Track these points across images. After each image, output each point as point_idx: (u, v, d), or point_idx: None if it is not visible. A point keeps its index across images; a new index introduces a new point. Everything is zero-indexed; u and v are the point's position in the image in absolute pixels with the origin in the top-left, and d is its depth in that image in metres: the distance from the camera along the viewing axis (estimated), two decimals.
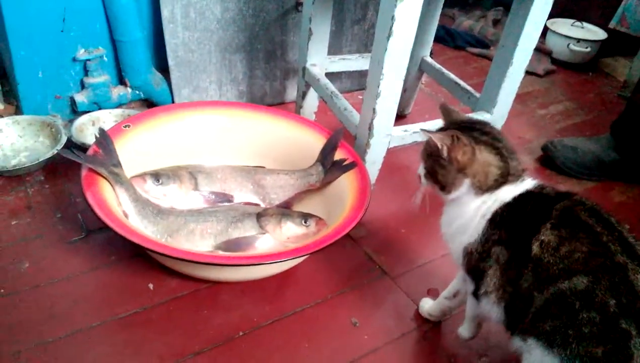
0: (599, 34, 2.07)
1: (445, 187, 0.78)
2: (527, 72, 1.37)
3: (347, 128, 1.19)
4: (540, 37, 1.24)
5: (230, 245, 0.95)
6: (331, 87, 1.26)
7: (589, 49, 2.04)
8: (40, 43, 1.18)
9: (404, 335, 0.92)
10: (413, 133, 1.17)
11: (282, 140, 1.19)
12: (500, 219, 0.74)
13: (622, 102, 1.84)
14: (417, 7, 0.95)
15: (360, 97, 1.53)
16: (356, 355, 0.87)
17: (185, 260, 0.84)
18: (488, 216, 0.75)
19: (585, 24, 2.11)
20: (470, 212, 0.77)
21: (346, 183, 1.06)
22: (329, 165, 1.11)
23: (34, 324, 0.84)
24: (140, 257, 0.98)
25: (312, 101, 1.40)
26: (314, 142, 1.15)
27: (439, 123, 0.88)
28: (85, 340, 0.83)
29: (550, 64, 2.05)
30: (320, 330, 0.91)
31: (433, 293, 1.00)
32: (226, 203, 1.07)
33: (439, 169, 0.77)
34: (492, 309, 0.76)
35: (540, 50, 2.02)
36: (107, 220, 0.84)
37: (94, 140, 1.00)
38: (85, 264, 0.96)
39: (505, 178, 0.75)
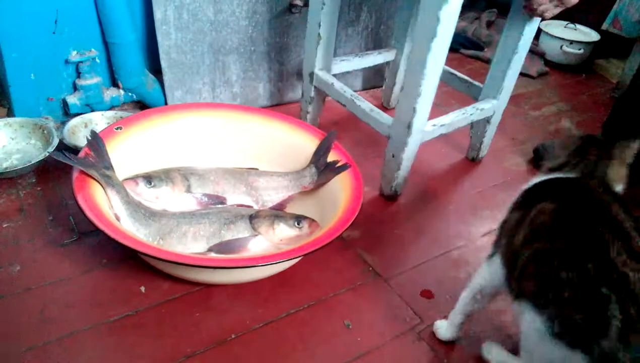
0: (592, 35, 2.08)
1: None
2: (521, 74, 1.38)
3: (376, 128, 1.20)
4: (534, 39, 1.26)
5: (223, 247, 0.95)
6: (349, 90, 1.27)
7: (582, 51, 2.05)
8: (32, 45, 1.18)
9: (397, 336, 0.92)
10: (441, 126, 1.21)
11: (276, 142, 1.18)
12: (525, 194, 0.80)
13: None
14: (457, 8, 0.98)
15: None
16: (349, 357, 0.87)
17: (176, 262, 0.83)
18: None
19: (578, 26, 2.12)
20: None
21: (339, 185, 1.06)
22: (323, 167, 1.11)
23: (25, 327, 0.84)
24: (132, 260, 0.97)
25: (318, 106, 1.40)
26: (308, 144, 1.16)
27: None
28: (77, 343, 0.83)
29: (543, 66, 2.06)
30: (313, 332, 0.91)
31: (426, 295, 1.00)
32: (219, 206, 1.06)
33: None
34: (497, 270, 0.80)
35: (534, 51, 2.03)
36: (98, 223, 0.84)
37: (85, 142, 0.99)
38: (77, 267, 0.96)
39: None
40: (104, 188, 0.94)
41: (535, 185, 0.80)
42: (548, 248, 0.69)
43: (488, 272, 0.84)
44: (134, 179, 1.01)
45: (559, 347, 0.67)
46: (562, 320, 0.66)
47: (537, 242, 0.71)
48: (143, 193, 1.01)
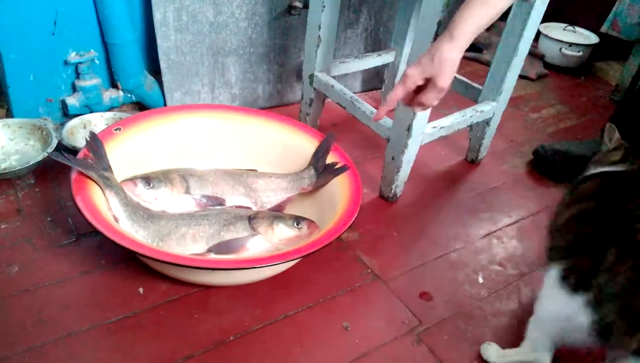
0: (591, 38, 2.09)
1: None
2: (520, 76, 1.38)
3: (376, 131, 1.21)
4: (533, 42, 1.26)
5: (222, 247, 0.95)
6: (349, 92, 1.27)
7: (581, 53, 2.05)
8: (31, 46, 1.18)
9: (396, 338, 0.92)
10: (440, 128, 1.21)
11: (275, 144, 1.18)
12: None
13: (613, 106, 1.85)
14: None
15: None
16: (348, 359, 0.87)
17: (173, 264, 0.83)
18: None
19: (577, 28, 2.12)
20: None
21: (338, 186, 1.06)
22: (321, 169, 1.11)
23: (22, 329, 0.84)
24: (130, 261, 0.97)
25: (318, 108, 1.40)
26: (307, 145, 1.16)
27: None
28: (75, 345, 0.83)
29: (542, 68, 2.06)
30: (311, 334, 0.91)
31: (424, 297, 1.00)
32: (218, 207, 1.06)
33: None
34: None
35: (533, 54, 2.03)
36: (96, 224, 0.83)
37: (84, 143, 0.99)
38: (76, 268, 0.95)
39: None
40: (102, 190, 0.94)
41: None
42: (586, 209, 0.79)
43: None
44: (132, 180, 1.01)
45: (569, 295, 0.74)
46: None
47: (577, 204, 0.80)
48: (142, 194, 1.01)
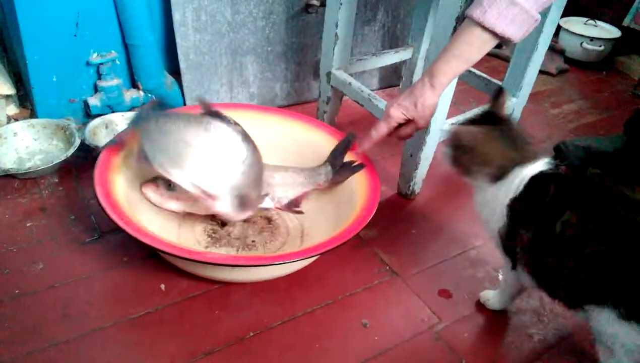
0: (613, 32, 2.05)
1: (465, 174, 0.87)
2: (540, 71, 1.36)
3: None
4: (553, 36, 1.25)
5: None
6: (366, 89, 1.27)
7: (602, 48, 2.02)
8: (54, 47, 1.20)
9: (415, 336, 0.92)
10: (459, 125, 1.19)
11: (293, 142, 1.19)
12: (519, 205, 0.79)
13: (636, 101, 1.82)
14: None
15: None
16: (366, 356, 0.87)
17: (194, 261, 0.84)
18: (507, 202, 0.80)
19: (598, 22, 2.09)
20: (491, 199, 0.83)
21: (356, 184, 1.06)
22: (338, 167, 1.11)
23: (48, 324, 0.86)
24: (152, 258, 0.99)
25: (335, 105, 1.41)
26: (325, 144, 1.15)
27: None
28: (98, 340, 0.84)
29: (563, 63, 2.03)
30: (330, 331, 0.91)
31: (444, 294, 1.00)
32: None
33: (461, 154, 0.85)
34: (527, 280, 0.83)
35: (553, 49, 2.00)
36: (118, 221, 0.85)
37: (106, 142, 1.01)
38: (99, 265, 0.97)
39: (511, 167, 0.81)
40: None
41: (529, 194, 0.78)
42: (599, 251, 0.70)
43: (516, 278, 0.87)
44: (154, 182, 1.02)
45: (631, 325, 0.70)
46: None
47: (585, 248, 0.71)
48: (163, 195, 1.02)
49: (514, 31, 0.85)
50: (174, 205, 1.02)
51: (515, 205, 0.79)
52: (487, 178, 0.83)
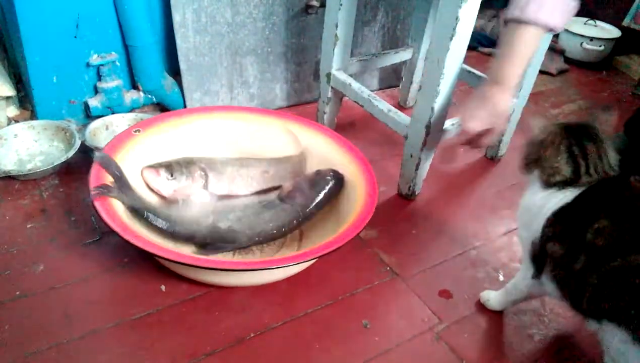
0: (613, 32, 2.05)
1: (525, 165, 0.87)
2: (540, 71, 1.36)
3: (393, 128, 1.21)
4: (553, 37, 1.25)
5: None
6: (366, 90, 1.27)
7: (602, 47, 2.02)
8: (54, 49, 1.20)
9: (416, 336, 0.92)
10: (459, 125, 1.19)
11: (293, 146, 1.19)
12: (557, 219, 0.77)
13: (636, 101, 1.82)
14: (476, 7, 0.98)
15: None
16: (367, 357, 0.87)
17: (188, 265, 0.84)
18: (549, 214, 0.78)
19: (598, 22, 2.09)
20: (539, 204, 0.81)
21: (355, 184, 1.06)
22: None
23: (48, 325, 0.86)
24: (152, 260, 0.99)
25: (335, 106, 1.41)
26: (326, 146, 1.15)
27: None
28: (99, 341, 0.84)
29: (563, 63, 2.03)
30: (331, 332, 0.91)
31: (444, 295, 1.00)
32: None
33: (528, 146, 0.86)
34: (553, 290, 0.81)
35: (553, 49, 2.00)
36: (112, 224, 0.85)
37: (105, 144, 1.01)
38: (99, 266, 0.97)
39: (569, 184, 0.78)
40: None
41: (567, 206, 0.77)
42: (624, 265, 0.68)
43: (532, 285, 0.86)
44: (156, 168, 1.03)
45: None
46: None
47: (609, 262, 0.69)
48: (162, 183, 1.03)
49: (554, 19, 0.93)
50: (171, 192, 1.04)
51: (561, 216, 0.77)
52: (553, 181, 0.80)
